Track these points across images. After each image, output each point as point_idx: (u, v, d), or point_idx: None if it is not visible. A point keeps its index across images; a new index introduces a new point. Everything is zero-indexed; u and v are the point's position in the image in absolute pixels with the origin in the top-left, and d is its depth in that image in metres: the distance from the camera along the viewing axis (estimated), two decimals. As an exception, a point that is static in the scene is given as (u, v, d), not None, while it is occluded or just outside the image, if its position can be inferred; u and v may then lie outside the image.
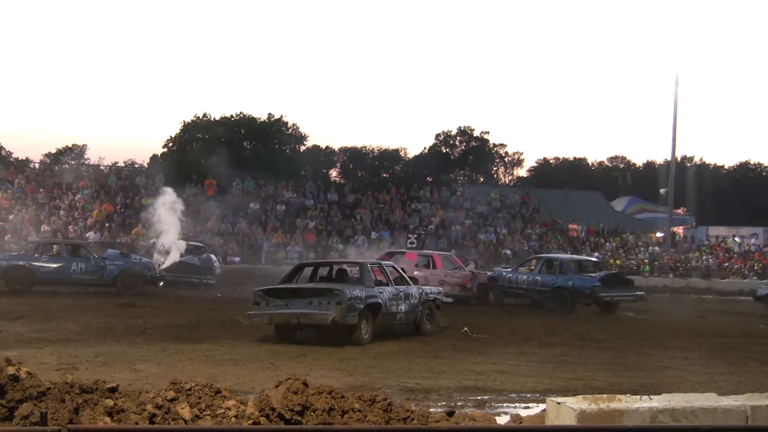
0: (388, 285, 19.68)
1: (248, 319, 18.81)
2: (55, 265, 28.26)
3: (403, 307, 19.64)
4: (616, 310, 28.19)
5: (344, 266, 21.20)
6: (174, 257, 32.40)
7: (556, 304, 27.74)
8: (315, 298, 18.00)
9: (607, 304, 27.80)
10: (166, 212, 33.99)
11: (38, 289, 27.66)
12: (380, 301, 18.79)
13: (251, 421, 7.86)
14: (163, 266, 31.49)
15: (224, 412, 7.94)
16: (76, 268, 28.35)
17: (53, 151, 78.43)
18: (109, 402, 7.85)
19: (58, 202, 41.41)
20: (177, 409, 7.86)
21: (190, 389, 8.20)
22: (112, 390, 8.18)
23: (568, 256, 35.91)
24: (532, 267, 30.25)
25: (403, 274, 21.46)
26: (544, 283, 28.75)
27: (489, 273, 32.12)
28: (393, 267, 21.69)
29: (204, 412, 7.93)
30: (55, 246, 29.54)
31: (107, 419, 7.66)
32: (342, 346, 17.53)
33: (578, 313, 26.90)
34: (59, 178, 45.05)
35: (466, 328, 20.73)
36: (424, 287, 21.78)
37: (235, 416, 7.92)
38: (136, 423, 7.60)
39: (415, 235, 41.03)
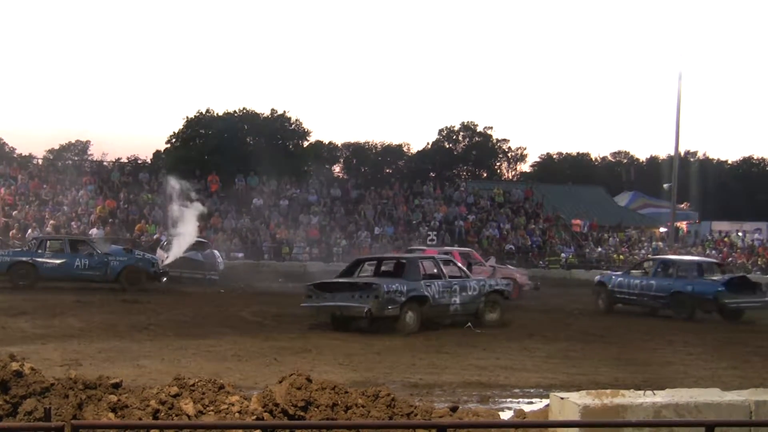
0: (441, 278, 20.63)
1: (301, 311, 20.64)
2: (58, 261, 28.22)
3: (457, 299, 20.65)
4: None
5: (402, 260, 22.07)
6: (177, 253, 32.36)
7: (674, 311, 25.38)
8: (357, 291, 19.56)
9: (732, 312, 24.97)
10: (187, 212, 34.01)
11: (41, 285, 27.62)
12: (426, 293, 19.90)
13: (255, 417, 7.86)
14: (166, 262, 31.44)
15: (228, 408, 7.94)
16: (80, 264, 28.30)
17: (56, 147, 78.60)
18: (113, 398, 7.86)
19: (62, 198, 41.41)
20: (180, 404, 7.87)
21: (193, 385, 8.20)
22: (116, 386, 8.19)
23: (688, 257, 32.96)
24: (647, 270, 27.67)
25: (462, 267, 22.40)
26: (660, 287, 25.98)
27: (597, 277, 30.20)
28: (451, 261, 22.72)
29: (207, 408, 7.93)
30: (58, 242, 29.49)
31: (111, 415, 7.66)
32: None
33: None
34: (63, 174, 45.03)
35: (469, 324, 20.73)
36: (486, 279, 22.53)
37: (239, 412, 7.92)
38: (140, 418, 7.60)
39: (435, 232, 41.31)
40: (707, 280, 25.70)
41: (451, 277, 21.18)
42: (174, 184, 38.30)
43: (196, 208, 34.84)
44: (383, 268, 22.04)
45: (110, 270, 28.42)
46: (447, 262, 22.14)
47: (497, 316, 21.60)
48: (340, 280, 21.05)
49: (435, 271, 21.05)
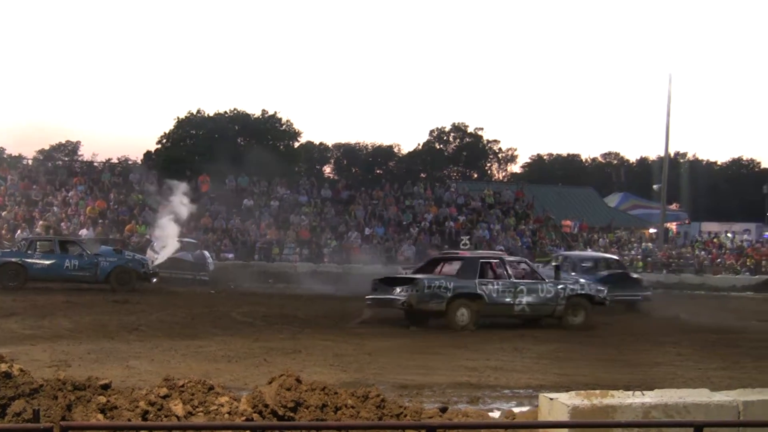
0: (504, 278, 21.66)
1: (365, 303, 22.27)
2: (48, 262, 28.12)
3: (524, 300, 21.56)
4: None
5: (459, 259, 23.25)
6: (167, 253, 32.36)
7: None
8: (405, 285, 21.06)
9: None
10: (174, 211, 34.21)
11: (31, 286, 27.54)
12: (480, 292, 21.11)
13: (244, 418, 7.86)
14: (156, 262, 31.40)
15: (217, 409, 7.93)
16: (69, 264, 28.22)
17: (47, 147, 78.37)
18: (102, 399, 7.84)
19: (52, 198, 41.28)
20: (170, 405, 7.86)
21: (183, 386, 8.19)
22: (105, 387, 8.17)
23: (580, 253, 35.15)
24: (551, 265, 29.43)
25: (536, 270, 23.35)
26: None
27: None
28: (524, 263, 23.81)
29: (197, 409, 7.93)
30: (48, 242, 29.39)
31: (100, 416, 7.65)
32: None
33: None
34: (53, 174, 44.89)
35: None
36: (569, 283, 22.89)
37: (229, 413, 7.92)
38: (129, 420, 7.59)
39: (468, 237, 42.04)
40: (589, 275, 27.57)
41: (519, 278, 22.00)
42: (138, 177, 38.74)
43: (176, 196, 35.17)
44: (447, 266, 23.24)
45: (100, 271, 28.37)
46: (517, 264, 23.27)
47: (580, 320, 22.07)
48: (400, 275, 23.02)
49: (499, 271, 21.97)
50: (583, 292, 22.50)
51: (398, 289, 21.17)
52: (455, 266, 22.47)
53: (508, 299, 21.43)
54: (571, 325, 21.77)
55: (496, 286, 21.38)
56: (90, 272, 28.35)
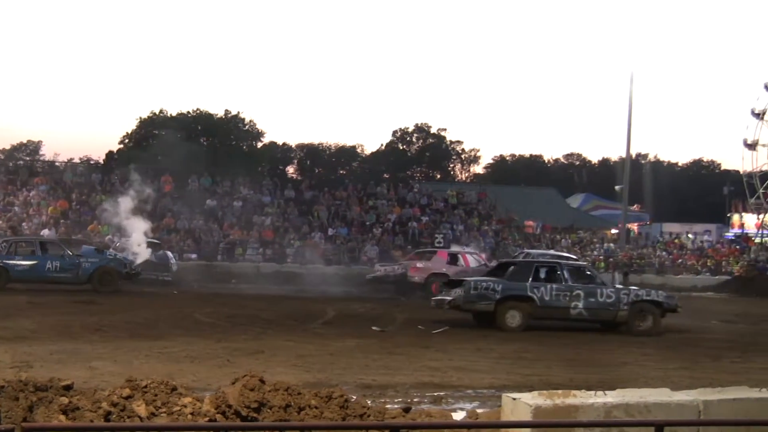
0: (559, 281, 21.75)
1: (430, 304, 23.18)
2: (29, 263, 27.73)
3: (580, 304, 21.57)
4: None
5: (513, 263, 24.33)
6: (133, 245, 32.17)
7: None
8: (458, 287, 21.62)
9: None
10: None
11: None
12: (531, 294, 21.38)
13: (207, 418, 7.84)
14: (138, 261, 31.12)
15: (180, 410, 7.91)
16: (51, 266, 27.79)
17: (8, 146, 77.75)
18: (64, 400, 7.80)
19: (13, 198, 40.93)
20: (133, 406, 7.83)
21: (146, 387, 8.17)
22: (67, 388, 8.13)
23: (539, 251, 36.06)
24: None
25: (596, 274, 23.78)
26: None
27: None
28: (585, 268, 24.40)
29: (160, 410, 7.90)
30: (28, 244, 29.02)
31: (62, 417, 7.61)
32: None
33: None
34: (13, 174, 44.51)
35: (420, 326, 20.91)
36: (634, 289, 23.16)
37: (192, 413, 7.90)
38: (92, 421, 7.56)
39: (442, 235, 43.38)
40: None
41: (577, 282, 21.93)
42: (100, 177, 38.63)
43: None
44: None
45: (82, 272, 27.99)
46: (577, 268, 23.52)
47: (647, 326, 21.77)
48: (460, 278, 23.36)
49: (555, 274, 22.10)
50: (649, 298, 22.28)
51: (454, 291, 21.68)
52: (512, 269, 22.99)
53: (563, 303, 21.51)
54: (637, 331, 21.44)
55: (549, 289, 21.47)
56: (72, 273, 27.99)
